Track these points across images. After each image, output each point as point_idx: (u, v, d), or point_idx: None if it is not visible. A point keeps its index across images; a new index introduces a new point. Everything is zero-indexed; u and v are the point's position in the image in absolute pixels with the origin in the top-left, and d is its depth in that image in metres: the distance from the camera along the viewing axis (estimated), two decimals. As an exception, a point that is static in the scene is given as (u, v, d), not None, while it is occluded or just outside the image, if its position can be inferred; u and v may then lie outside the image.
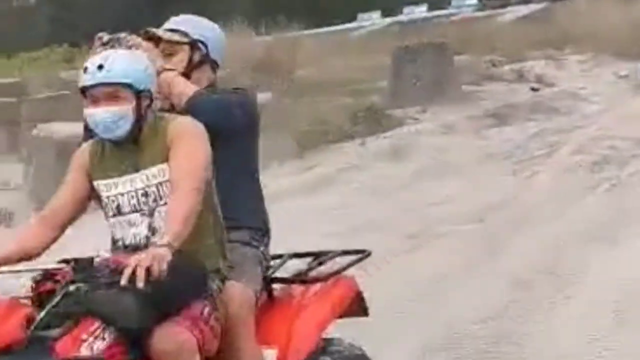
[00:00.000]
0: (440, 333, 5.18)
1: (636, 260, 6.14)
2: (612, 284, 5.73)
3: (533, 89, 16.71)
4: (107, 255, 3.04)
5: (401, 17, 38.44)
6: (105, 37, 3.39)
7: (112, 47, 3.31)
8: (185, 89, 3.43)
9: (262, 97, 12.03)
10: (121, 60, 3.14)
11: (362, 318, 3.78)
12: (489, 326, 5.22)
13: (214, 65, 3.63)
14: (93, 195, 3.24)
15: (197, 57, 3.56)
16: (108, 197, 3.20)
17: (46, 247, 3.18)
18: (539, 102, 14.95)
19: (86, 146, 3.28)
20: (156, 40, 3.50)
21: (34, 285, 2.96)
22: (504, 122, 13.21)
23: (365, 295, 3.72)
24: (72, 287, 2.87)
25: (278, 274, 3.63)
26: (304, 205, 8.89)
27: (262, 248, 3.49)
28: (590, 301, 5.50)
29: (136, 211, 3.18)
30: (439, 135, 12.39)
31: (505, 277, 6.06)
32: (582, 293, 5.64)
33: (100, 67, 3.10)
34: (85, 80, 3.11)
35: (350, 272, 3.73)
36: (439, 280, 6.15)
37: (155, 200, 3.15)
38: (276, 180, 10.23)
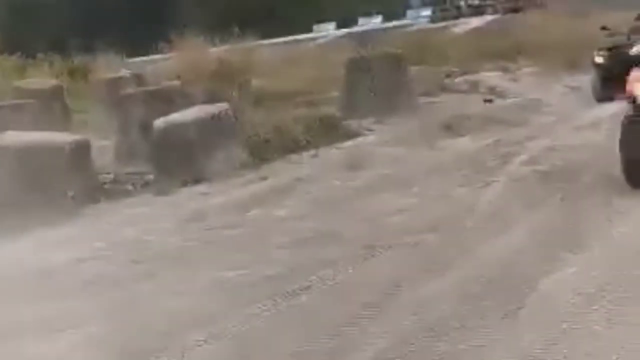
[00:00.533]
0: (392, 344, 5.17)
1: (586, 271, 6.18)
2: (565, 295, 5.75)
3: (486, 101, 16.89)
4: None
5: (356, 29, 38.65)
6: None
7: None
8: None
9: (217, 107, 12.03)
10: None
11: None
12: (439, 337, 5.21)
13: None
14: None
15: None
16: None
17: None
18: (492, 114, 15.10)
19: None
20: None
21: None
22: (457, 133, 13.31)
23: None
24: None
25: None
26: (257, 216, 8.86)
27: None
28: (542, 312, 5.53)
29: None
30: (394, 146, 12.43)
31: (459, 288, 6.07)
32: (535, 303, 5.66)
33: None
34: None
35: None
36: (392, 290, 6.14)
37: None
38: (229, 192, 10.19)
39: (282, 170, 11.17)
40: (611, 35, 17.61)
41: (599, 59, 17.16)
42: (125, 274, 7.00)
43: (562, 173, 9.49)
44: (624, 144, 8.34)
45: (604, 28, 17.86)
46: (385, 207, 8.79)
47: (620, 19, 18.34)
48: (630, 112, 8.44)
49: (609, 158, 10.08)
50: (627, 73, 15.27)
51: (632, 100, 8.45)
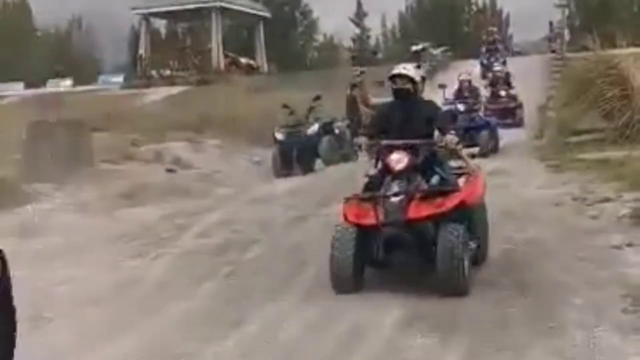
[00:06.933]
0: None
1: (255, 343, 6.44)
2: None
3: (169, 171, 17.03)
4: None
5: (45, 90, 37.88)
6: None
7: None
8: None
9: None
10: None
11: None
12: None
13: None
14: None
15: None
16: None
17: None
18: (174, 184, 15.27)
19: None
20: None
21: None
22: (137, 203, 13.33)
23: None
24: None
25: None
26: None
27: None
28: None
29: None
30: (71, 213, 12.27)
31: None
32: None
33: None
34: None
35: None
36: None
37: None
38: None
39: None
40: (291, 113, 18.51)
41: (280, 136, 17.92)
42: None
43: (232, 246, 9.75)
44: None
45: (285, 106, 18.73)
46: (55, 277, 8.67)
47: (300, 98, 19.30)
48: None
49: (274, 232, 10.58)
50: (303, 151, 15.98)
51: None
